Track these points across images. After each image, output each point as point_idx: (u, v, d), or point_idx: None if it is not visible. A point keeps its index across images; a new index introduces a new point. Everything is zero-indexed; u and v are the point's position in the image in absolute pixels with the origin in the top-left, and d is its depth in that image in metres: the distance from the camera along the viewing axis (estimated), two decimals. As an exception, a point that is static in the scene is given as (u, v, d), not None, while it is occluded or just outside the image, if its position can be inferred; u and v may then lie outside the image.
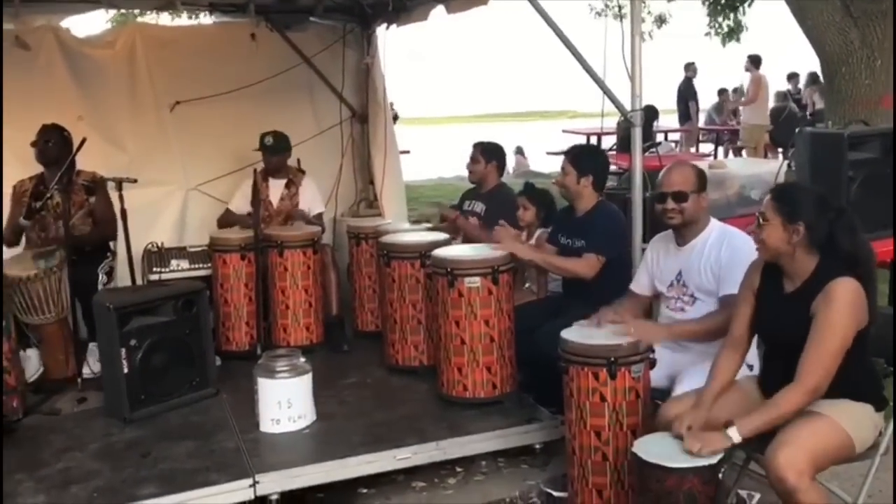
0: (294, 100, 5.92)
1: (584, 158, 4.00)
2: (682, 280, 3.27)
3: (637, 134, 3.84)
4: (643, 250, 3.66)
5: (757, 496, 3.15)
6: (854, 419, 2.55)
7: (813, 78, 11.84)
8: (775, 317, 2.70)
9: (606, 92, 3.92)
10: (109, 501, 3.06)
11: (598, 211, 3.93)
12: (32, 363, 4.28)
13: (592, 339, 3.11)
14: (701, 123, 13.69)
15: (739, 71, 12.25)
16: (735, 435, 2.53)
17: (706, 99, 13.78)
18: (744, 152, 12.00)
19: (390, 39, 5.79)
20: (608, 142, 10.46)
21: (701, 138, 13.36)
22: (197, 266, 4.94)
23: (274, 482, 3.20)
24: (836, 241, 2.61)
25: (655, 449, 2.59)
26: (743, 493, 3.13)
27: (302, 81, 5.98)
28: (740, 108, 12.55)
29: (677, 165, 3.30)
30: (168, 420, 3.78)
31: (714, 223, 3.28)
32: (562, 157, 4.05)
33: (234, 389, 4.11)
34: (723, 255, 3.15)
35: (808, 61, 11.54)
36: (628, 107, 3.94)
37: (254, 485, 3.17)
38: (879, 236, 4.12)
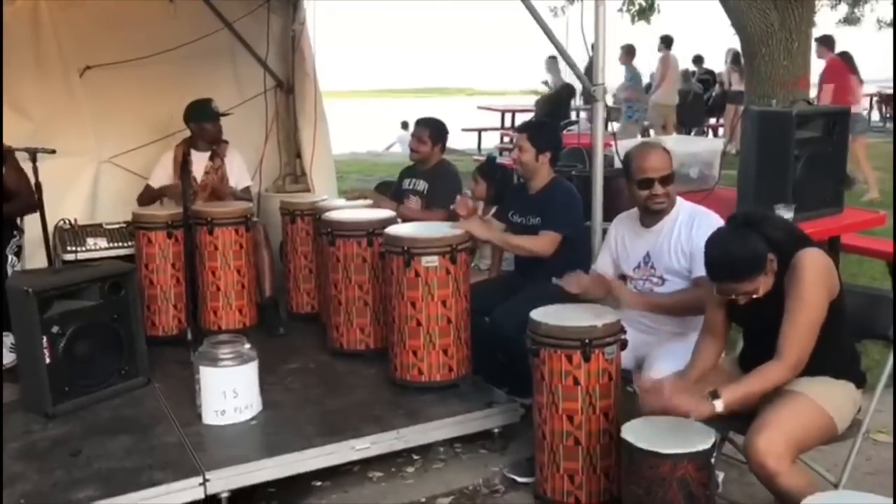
0: (215, 67, 5.56)
1: (542, 135, 3.90)
2: (651, 262, 3.21)
3: (599, 109, 3.74)
4: (604, 230, 3.58)
5: (721, 475, 3.14)
6: (834, 398, 2.54)
7: (735, 58, 12.14)
8: (750, 308, 2.65)
9: (571, 65, 3.81)
10: (41, 507, 2.75)
11: (554, 188, 3.84)
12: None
13: (565, 320, 3.00)
14: (609, 102, 13.86)
15: (650, 51, 12.46)
16: (720, 405, 2.47)
17: (616, 78, 13.97)
18: (651, 131, 12.24)
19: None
20: (522, 119, 10.49)
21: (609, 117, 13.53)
22: (116, 245, 4.59)
23: (225, 480, 2.96)
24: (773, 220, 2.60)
25: (644, 434, 2.51)
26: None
27: (223, 48, 5.63)
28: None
29: (651, 149, 3.21)
30: (97, 413, 3.46)
31: (681, 202, 3.23)
32: (513, 134, 3.95)
33: (166, 378, 3.83)
34: (694, 234, 3.09)
35: (717, 43, 11.91)
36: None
37: (204, 483, 2.92)
38: (822, 214, 4.21)
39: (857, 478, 2.88)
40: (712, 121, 13.57)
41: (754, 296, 2.52)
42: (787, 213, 3.82)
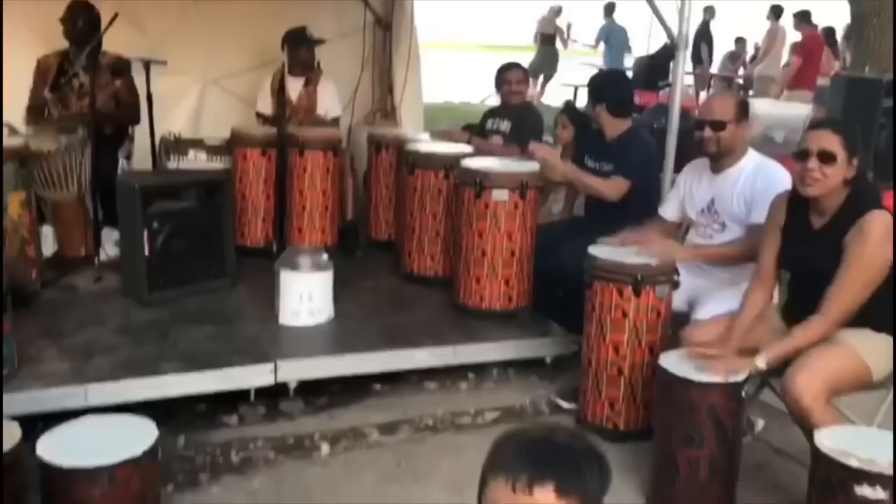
0: (318, 1, 5.79)
1: (595, 86, 4.05)
2: (714, 207, 3.29)
3: (680, 61, 3.80)
4: (673, 181, 3.67)
5: (762, 423, 3.25)
6: (873, 349, 2.62)
7: (848, 34, 11.68)
8: (804, 251, 2.73)
9: (662, 21, 3.87)
10: (133, 374, 3.10)
11: (630, 137, 3.92)
12: (47, 240, 4.27)
13: (620, 256, 3.15)
14: (714, 70, 13.56)
15: (760, 20, 12.08)
16: (762, 362, 2.59)
17: (724, 45, 13.62)
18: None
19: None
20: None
21: (712, 85, 13.24)
22: (214, 159, 4.91)
23: (294, 369, 3.26)
24: (864, 174, 2.63)
25: (680, 364, 2.66)
26: (752, 418, 3.22)
27: (326, -20, 5.84)
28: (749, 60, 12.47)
29: (720, 95, 3.30)
30: (186, 305, 3.81)
31: (752, 154, 3.29)
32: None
33: (250, 282, 4.14)
34: (757, 184, 3.16)
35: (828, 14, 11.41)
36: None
37: (275, 370, 3.22)
38: (903, 184, 4.17)
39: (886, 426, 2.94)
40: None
41: (823, 170, 2.58)
42: (864, 181, 3.82)
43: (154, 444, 1.98)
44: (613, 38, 13.24)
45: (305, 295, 3.61)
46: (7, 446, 1.94)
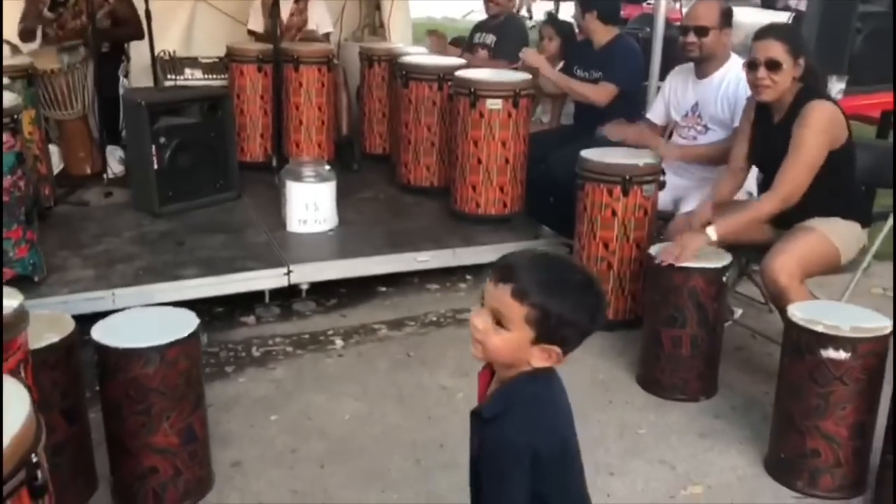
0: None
1: None
2: (698, 111, 3.48)
3: (664, -33, 3.91)
4: (659, 87, 3.84)
5: (740, 311, 3.52)
6: (841, 234, 2.86)
7: None
8: (766, 145, 2.95)
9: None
10: (155, 279, 3.30)
11: (616, 44, 4.06)
12: (54, 158, 4.40)
13: (610, 158, 3.35)
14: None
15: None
16: (712, 233, 2.82)
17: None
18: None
19: None
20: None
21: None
22: (210, 76, 5.01)
23: (306, 272, 3.48)
24: (814, 69, 2.84)
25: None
26: (732, 307, 3.49)
27: None
28: None
29: (704, 2, 3.43)
30: (196, 217, 3.99)
31: (734, 59, 3.45)
32: None
33: (254, 195, 4.32)
34: (740, 89, 3.33)
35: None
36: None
37: (288, 273, 3.44)
38: (879, 89, 4.36)
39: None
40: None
41: (772, 77, 2.78)
42: (838, 84, 4.01)
43: (196, 328, 2.20)
44: None
45: (311, 204, 3.80)
46: (63, 333, 2.15)
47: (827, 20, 4.25)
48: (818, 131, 2.75)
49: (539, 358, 1.37)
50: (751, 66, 2.84)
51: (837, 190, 2.82)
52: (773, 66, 2.78)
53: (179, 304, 3.13)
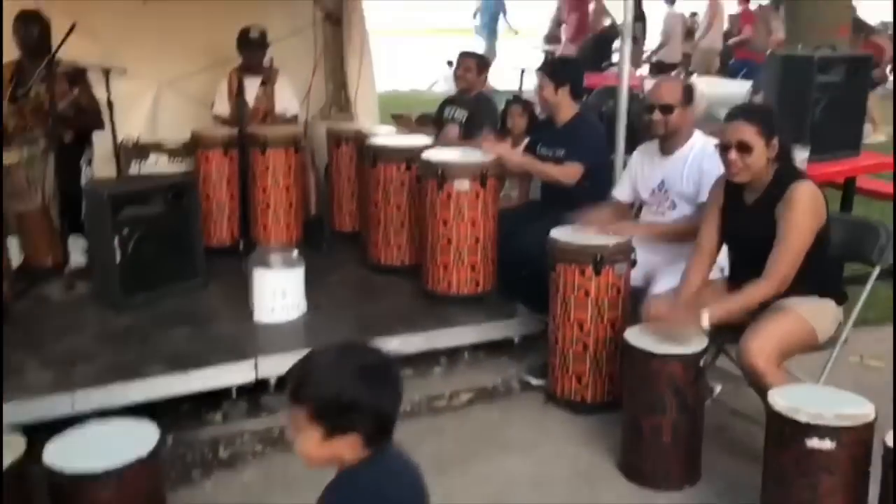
0: (267, -1, 5.84)
1: (558, 69, 4.15)
2: (665, 187, 3.49)
3: (626, 46, 3.97)
4: (625, 163, 3.86)
5: (719, 387, 3.47)
6: (819, 314, 2.85)
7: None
8: (741, 227, 2.94)
9: (601, 4, 4.03)
10: (118, 378, 3.18)
11: (578, 121, 4.09)
12: (13, 251, 4.28)
13: (580, 238, 3.33)
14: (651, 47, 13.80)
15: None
16: (705, 319, 2.79)
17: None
18: (694, 75, 12.22)
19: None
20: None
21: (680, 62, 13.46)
22: (175, 161, 4.96)
23: (274, 365, 3.37)
24: (786, 149, 2.85)
25: (643, 337, 2.85)
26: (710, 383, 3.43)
27: (276, -21, 5.88)
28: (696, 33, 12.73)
29: (665, 80, 3.49)
30: (161, 308, 3.88)
31: (697, 135, 3.49)
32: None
33: (221, 282, 4.23)
34: (704, 165, 3.36)
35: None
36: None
37: (255, 366, 3.34)
38: (839, 157, 4.43)
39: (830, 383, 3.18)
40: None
41: (744, 160, 2.77)
42: (802, 153, 4.04)
43: (157, 444, 2.09)
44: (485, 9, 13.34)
45: (279, 292, 3.72)
46: (13, 457, 2.04)
47: (786, 91, 4.33)
48: (807, 213, 2.75)
49: (345, 450, 1.34)
50: (722, 149, 2.84)
51: (814, 268, 2.81)
52: (744, 148, 2.78)
53: (143, 405, 3.06)
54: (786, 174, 2.83)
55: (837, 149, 4.42)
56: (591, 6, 11.51)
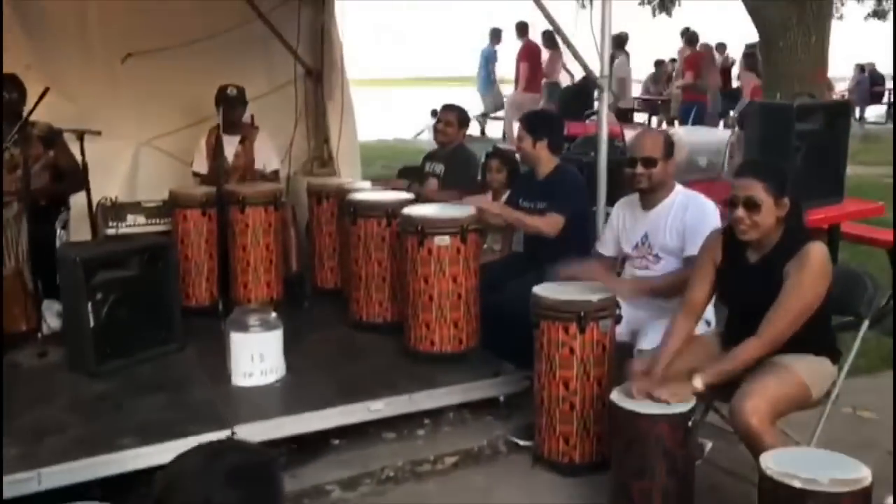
0: (248, 56, 5.82)
1: (537, 123, 4.14)
2: (648, 241, 3.44)
3: (604, 97, 3.97)
4: (608, 213, 3.82)
5: (710, 444, 3.37)
6: (813, 372, 2.78)
7: (747, 58, 12.34)
8: (744, 286, 2.85)
9: (578, 57, 4.04)
10: (88, 452, 3.06)
11: (558, 173, 4.07)
12: (-15, 316, 4.18)
13: (564, 294, 3.26)
14: (636, 93, 14.00)
15: (674, 42, 12.61)
16: (699, 382, 2.71)
17: (643, 69, 14.10)
18: (675, 123, 12.37)
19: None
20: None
21: (636, 107, 13.67)
22: (154, 221, 4.90)
23: (252, 432, 3.25)
24: (798, 208, 2.80)
25: (629, 399, 2.76)
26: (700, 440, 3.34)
27: (256, 37, 5.88)
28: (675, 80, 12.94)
29: (648, 132, 3.47)
30: (136, 374, 3.77)
31: (679, 188, 3.46)
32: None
33: (199, 345, 4.12)
34: (688, 217, 3.33)
35: (739, 36, 12.02)
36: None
37: (232, 435, 3.22)
38: (821, 204, 4.41)
39: (841, 450, 3.08)
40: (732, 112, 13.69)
41: (752, 217, 2.70)
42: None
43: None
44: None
45: (257, 355, 3.62)
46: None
47: (767, 139, 4.33)
48: (818, 277, 2.68)
49: None
50: (731, 205, 2.77)
51: (811, 326, 2.74)
52: (752, 205, 2.71)
53: (115, 478, 2.94)
54: (796, 234, 2.77)
55: (820, 196, 4.40)
56: (546, 55, 11.79)
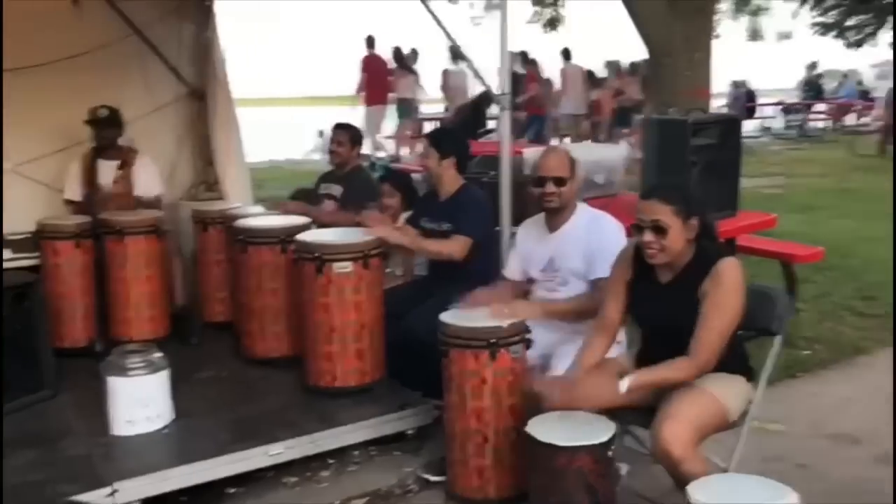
0: (125, 74, 5.44)
1: (444, 140, 4.01)
2: (555, 266, 3.34)
3: (506, 117, 3.86)
4: (513, 234, 3.70)
5: (626, 468, 3.28)
6: (729, 391, 2.71)
7: (632, 69, 12.75)
8: (656, 306, 2.78)
9: (478, 75, 3.93)
10: (-60, 526, 2.68)
11: (463, 194, 3.94)
12: None
13: (472, 321, 3.11)
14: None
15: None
16: (624, 385, 2.63)
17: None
18: (566, 139, 12.62)
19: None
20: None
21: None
22: (21, 256, 4.47)
23: (136, 489, 2.94)
24: (709, 226, 2.75)
25: (546, 428, 2.62)
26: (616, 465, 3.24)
27: (133, 54, 5.52)
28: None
29: (553, 151, 3.38)
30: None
31: (582, 207, 3.38)
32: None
33: (75, 390, 3.77)
34: (592, 238, 3.25)
35: (627, 53, 12.42)
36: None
37: (112, 493, 2.89)
38: (717, 218, 4.43)
39: (752, 465, 3.05)
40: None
41: (660, 241, 2.64)
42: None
43: None
44: None
45: (140, 401, 3.29)
46: None
47: (664, 154, 4.34)
48: (735, 293, 2.62)
49: None
50: (637, 229, 2.69)
51: (725, 345, 2.67)
52: (659, 230, 2.64)
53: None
54: (708, 252, 2.71)
55: (716, 210, 4.43)
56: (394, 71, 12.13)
